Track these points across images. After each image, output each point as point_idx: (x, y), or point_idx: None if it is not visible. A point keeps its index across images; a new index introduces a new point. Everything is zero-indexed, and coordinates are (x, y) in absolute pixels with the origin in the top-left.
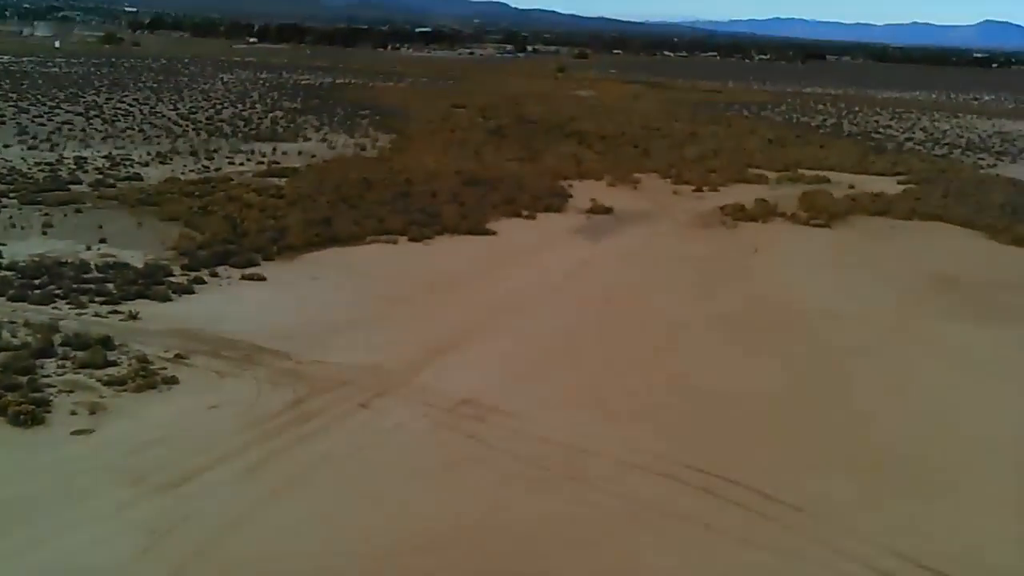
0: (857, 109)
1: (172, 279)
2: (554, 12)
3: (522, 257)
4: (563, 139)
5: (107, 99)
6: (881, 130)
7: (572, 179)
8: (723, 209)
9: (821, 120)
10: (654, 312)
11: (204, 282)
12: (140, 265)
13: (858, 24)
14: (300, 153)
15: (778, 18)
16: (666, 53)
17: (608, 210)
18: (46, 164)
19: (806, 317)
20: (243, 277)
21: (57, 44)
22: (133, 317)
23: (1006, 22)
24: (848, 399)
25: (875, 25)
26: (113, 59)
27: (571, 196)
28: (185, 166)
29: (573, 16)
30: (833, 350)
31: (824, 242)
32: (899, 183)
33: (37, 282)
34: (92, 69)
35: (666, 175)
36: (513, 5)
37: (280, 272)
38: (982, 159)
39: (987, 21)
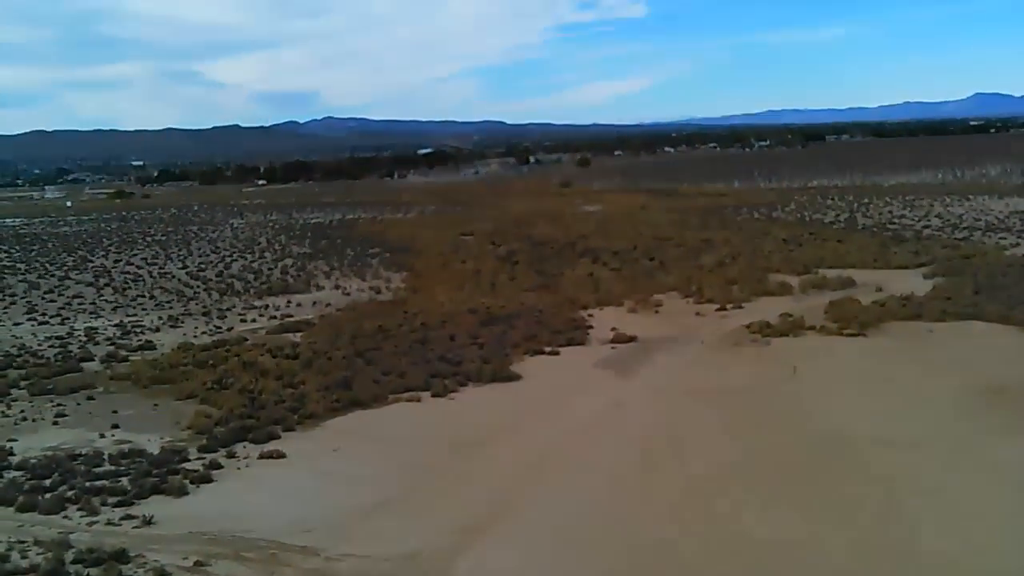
0: (867, 201)
1: (188, 465)
2: (549, 124)
3: (550, 404)
4: (577, 259)
5: (116, 261)
6: (896, 220)
7: (591, 306)
8: (750, 327)
9: (834, 216)
10: (697, 465)
11: (221, 466)
12: (156, 450)
13: (851, 108)
14: (314, 304)
15: (771, 110)
16: (667, 149)
17: (632, 339)
18: (56, 339)
19: (859, 447)
20: (261, 455)
21: (68, 204)
22: (148, 522)
23: (996, 93)
24: (918, 552)
25: (868, 107)
26: (123, 213)
27: (592, 327)
28: (197, 328)
29: (569, 125)
30: (895, 489)
31: (861, 354)
32: (924, 276)
33: (48, 482)
34: (102, 225)
35: (686, 292)
36: (509, 122)
37: (301, 445)
38: (1004, 238)
39: (978, 94)
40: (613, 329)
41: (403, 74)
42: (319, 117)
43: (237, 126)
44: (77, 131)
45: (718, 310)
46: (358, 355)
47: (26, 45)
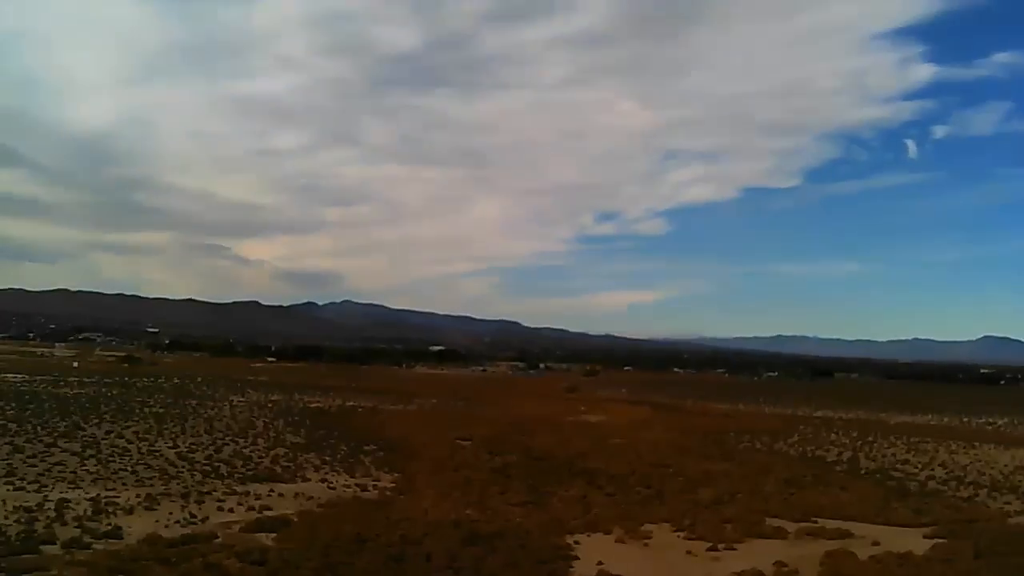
0: (871, 439)
1: None
2: (563, 330)
3: None
4: (571, 478)
5: (108, 432)
6: (900, 466)
7: (579, 531)
8: (740, 574)
9: (837, 454)
10: None
11: None
12: None
13: (860, 340)
14: (297, 495)
15: (782, 335)
16: (676, 370)
17: None
18: (25, 510)
19: None
20: None
21: (75, 364)
22: None
23: (1006, 337)
24: None
25: (877, 341)
26: (127, 379)
27: (577, 557)
28: (171, 515)
29: (582, 334)
30: None
31: None
32: (925, 536)
33: None
34: (103, 390)
35: (679, 525)
36: (524, 324)
37: None
38: (1008, 503)
39: (987, 336)
40: (599, 564)
41: (424, 267)
42: (338, 300)
43: (257, 303)
44: (100, 293)
45: (709, 549)
46: (328, 568)
47: (62, 206)
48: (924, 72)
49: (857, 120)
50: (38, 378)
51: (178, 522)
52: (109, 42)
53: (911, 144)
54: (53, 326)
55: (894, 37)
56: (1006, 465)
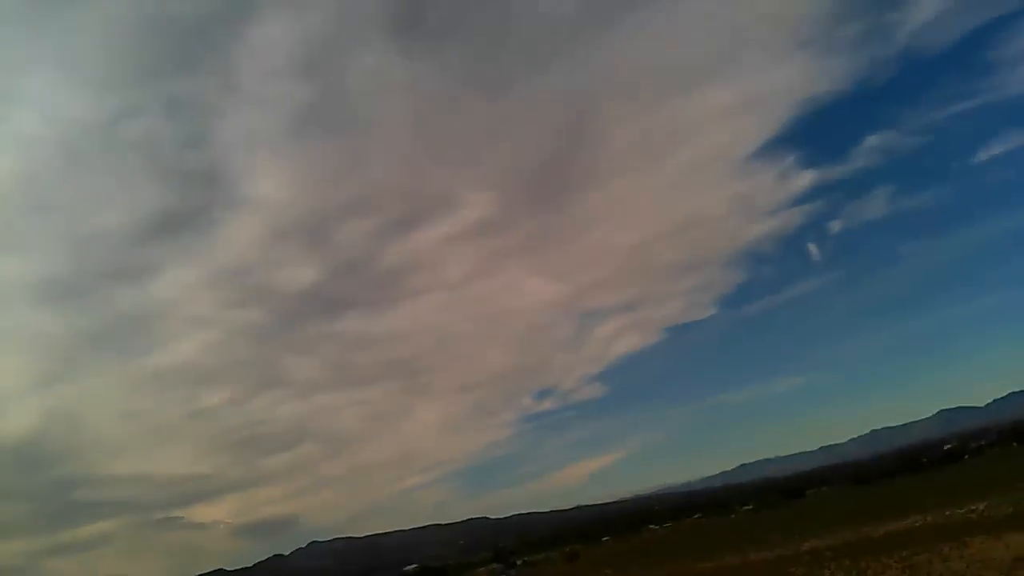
0: (865, 566)
1: None
2: (533, 512)
3: None
4: None
5: None
6: None
7: None
8: None
9: None
10: None
11: None
12: None
13: (823, 448)
14: None
15: (744, 464)
16: (652, 527)
17: None
18: None
19: None
20: None
21: None
22: None
23: (959, 407)
24: None
25: (839, 443)
26: None
27: None
28: None
29: (552, 512)
30: None
31: None
32: None
33: None
34: None
35: None
36: (492, 516)
37: None
38: None
39: (942, 411)
40: None
41: (379, 488)
42: (303, 544)
43: (222, 570)
44: None
45: None
46: None
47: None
48: (806, 177)
49: (754, 238)
50: None
51: None
52: (22, 347)
53: (812, 247)
54: None
55: (767, 152)
56: (1003, 560)
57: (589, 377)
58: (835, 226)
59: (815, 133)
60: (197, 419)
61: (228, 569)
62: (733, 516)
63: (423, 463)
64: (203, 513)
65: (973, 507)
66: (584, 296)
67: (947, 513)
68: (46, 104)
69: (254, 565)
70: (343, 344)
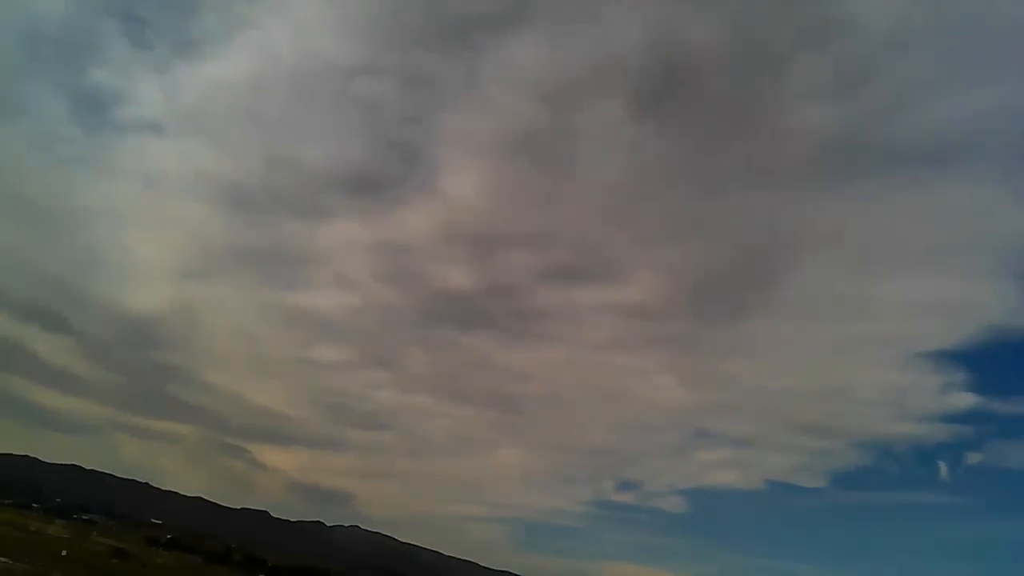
0: None
1: None
2: None
3: None
4: None
5: None
6: None
7: None
8: None
9: None
10: None
11: None
12: None
13: None
14: None
15: None
16: None
17: None
18: None
19: None
20: None
21: (64, 552)
22: None
23: None
24: None
25: None
26: None
27: None
28: None
29: None
30: None
31: None
32: None
33: None
34: None
35: None
36: None
37: None
38: None
39: None
40: None
41: (437, 503)
42: (346, 524)
43: (267, 513)
44: (112, 475)
45: None
46: None
47: (96, 381)
48: (965, 399)
49: (892, 434)
50: (17, 565)
51: None
52: (175, 234)
53: (944, 466)
54: (59, 500)
55: (940, 359)
56: None
57: (677, 489)
58: (974, 458)
59: (994, 362)
60: (303, 366)
61: (272, 514)
62: None
63: (485, 498)
64: (270, 455)
65: None
66: (706, 414)
67: None
68: (303, 34)
69: (296, 522)
70: (463, 358)
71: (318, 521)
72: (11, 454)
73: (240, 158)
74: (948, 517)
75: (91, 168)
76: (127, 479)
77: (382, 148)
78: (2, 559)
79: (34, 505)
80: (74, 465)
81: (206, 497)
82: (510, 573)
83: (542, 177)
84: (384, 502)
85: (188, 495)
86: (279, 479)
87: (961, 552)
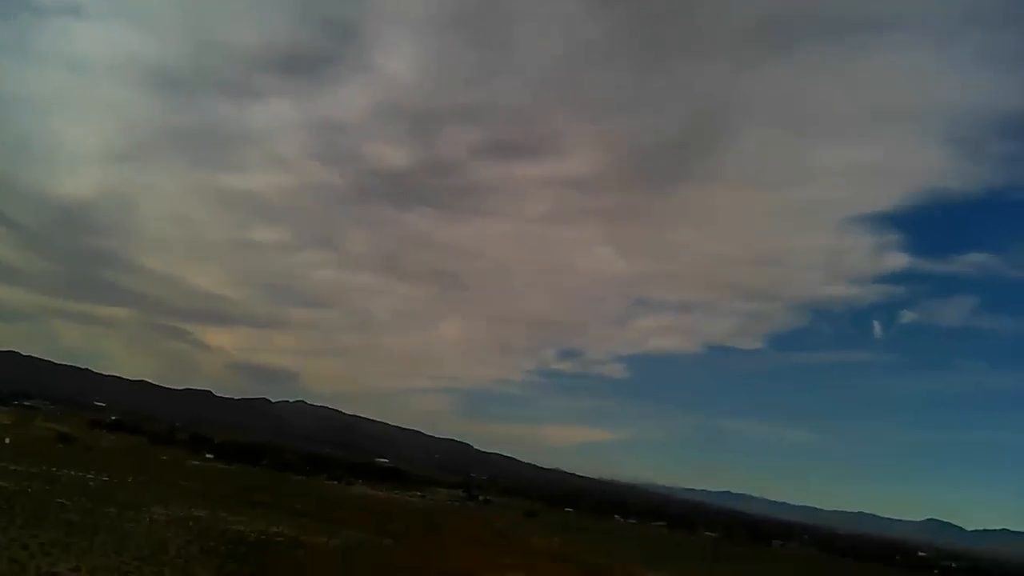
0: None
1: None
2: (514, 458)
3: None
4: None
5: (12, 539)
6: None
7: None
8: None
9: None
10: None
11: None
12: None
13: (805, 506)
14: None
15: (729, 492)
16: (616, 517)
17: None
18: None
19: None
20: None
21: (7, 440)
22: None
23: (949, 523)
24: None
25: (822, 509)
26: (54, 470)
27: None
28: None
29: (532, 465)
30: None
31: None
32: None
33: None
34: (24, 483)
35: None
36: (475, 446)
37: None
38: None
39: (931, 520)
40: None
41: (382, 378)
42: (291, 399)
43: (210, 393)
44: (51, 362)
45: None
46: None
47: (32, 268)
48: (898, 260)
49: (828, 296)
50: None
51: None
52: (104, 119)
53: (877, 325)
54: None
55: (876, 222)
56: None
57: (617, 357)
58: (907, 316)
59: (927, 223)
60: (242, 249)
61: (216, 394)
62: (694, 537)
63: (430, 371)
64: (212, 336)
65: None
66: (645, 283)
67: None
68: None
69: (240, 399)
70: (404, 236)
71: (263, 398)
72: None
73: (167, 39)
74: (882, 374)
75: (11, 54)
76: (67, 365)
77: (314, 25)
78: None
79: None
80: (12, 352)
81: (149, 380)
82: (455, 440)
83: (480, 52)
84: (329, 378)
85: (130, 379)
86: (221, 359)
87: (895, 406)
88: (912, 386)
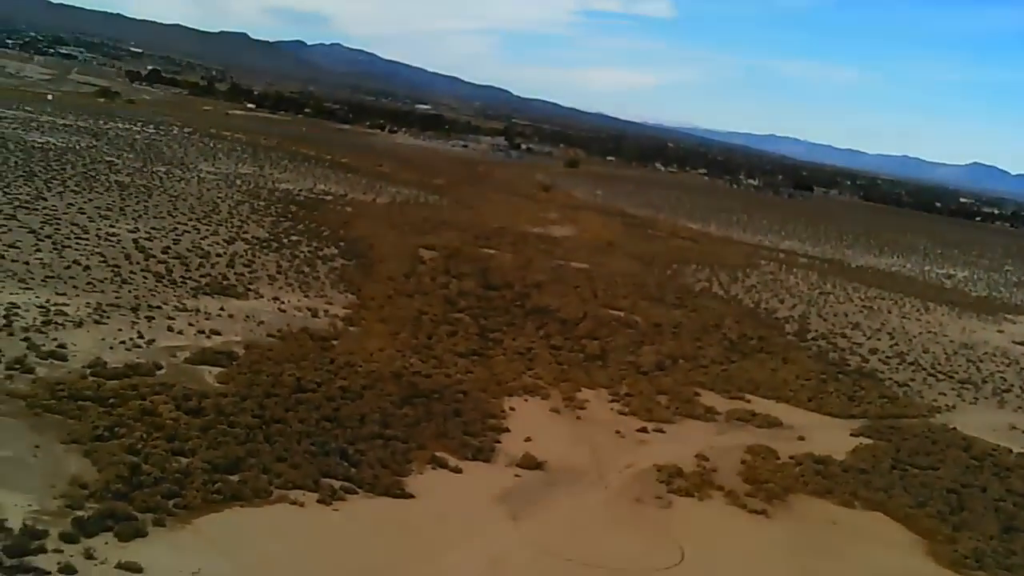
0: (829, 289)
1: (42, 561)
2: (555, 104)
3: (427, 549)
4: (523, 319)
5: (70, 204)
6: (848, 331)
7: (518, 394)
8: (661, 471)
9: (790, 307)
10: None
11: (75, 571)
12: (18, 525)
13: (850, 150)
14: (247, 318)
15: (774, 135)
16: (658, 166)
17: (539, 465)
18: None
19: None
20: (118, 565)
21: (50, 97)
22: None
23: (993, 166)
24: None
25: (866, 153)
26: (100, 125)
27: (508, 430)
28: (120, 331)
29: (573, 110)
30: None
31: (756, 546)
32: (852, 433)
33: None
34: (74, 140)
35: (615, 394)
36: (516, 93)
37: (162, 555)
38: (942, 393)
39: (976, 163)
40: (528, 440)
41: (422, 19)
42: (327, 43)
43: (245, 35)
44: (82, 8)
45: (639, 430)
46: (262, 424)
47: None
48: None
49: None
50: (8, 114)
51: (124, 343)
52: None
53: None
54: (33, 34)
55: None
56: (952, 341)
57: None
58: None
59: None
60: None
61: (251, 36)
62: (735, 186)
63: (470, 11)
64: None
65: (952, 274)
66: None
67: (927, 269)
68: None
69: (276, 42)
70: None
71: (298, 41)
72: None
73: None
74: (934, 10)
75: None
76: (98, 11)
77: None
78: None
79: (8, 42)
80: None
81: (183, 23)
82: (495, 87)
83: None
84: (363, 19)
85: (165, 23)
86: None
87: (946, 43)
88: (965, 23)
